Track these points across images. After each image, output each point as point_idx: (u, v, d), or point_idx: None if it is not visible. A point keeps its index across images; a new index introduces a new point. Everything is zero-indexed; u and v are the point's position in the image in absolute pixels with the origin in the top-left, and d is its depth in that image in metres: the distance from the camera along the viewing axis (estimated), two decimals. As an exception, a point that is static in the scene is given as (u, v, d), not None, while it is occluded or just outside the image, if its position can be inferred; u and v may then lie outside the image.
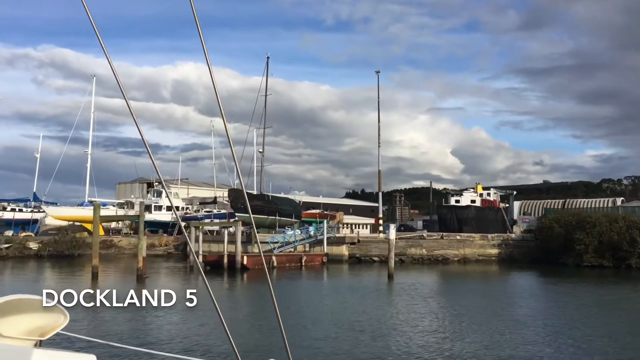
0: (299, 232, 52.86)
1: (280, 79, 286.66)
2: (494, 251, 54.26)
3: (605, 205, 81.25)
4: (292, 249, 50.35)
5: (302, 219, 70.67)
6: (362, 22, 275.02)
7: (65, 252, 54.67)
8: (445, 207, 61.61)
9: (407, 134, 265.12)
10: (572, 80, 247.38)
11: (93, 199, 66.93)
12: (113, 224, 70.11)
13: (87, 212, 63.42)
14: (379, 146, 59.92)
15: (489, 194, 63.64)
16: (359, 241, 54.67)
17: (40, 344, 3.68)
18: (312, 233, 52.55)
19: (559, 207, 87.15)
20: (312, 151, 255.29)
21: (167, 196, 68.74)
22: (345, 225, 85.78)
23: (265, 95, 66.55)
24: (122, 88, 3.30)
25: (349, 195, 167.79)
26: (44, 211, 65.31)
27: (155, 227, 66.83)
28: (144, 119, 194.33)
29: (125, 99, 3.33)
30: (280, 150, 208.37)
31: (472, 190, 64.02)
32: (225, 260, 43.51)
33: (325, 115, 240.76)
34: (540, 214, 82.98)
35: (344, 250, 53.11)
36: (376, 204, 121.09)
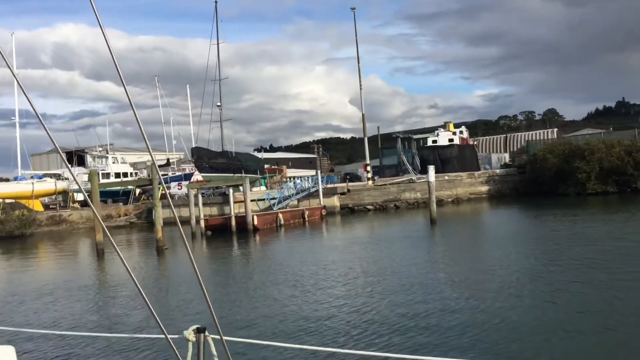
0: (292, 186, 48.72)
1: (169, 37, 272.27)
2: (484, 188, 53.23)
3: (545, 137, 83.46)
4: (285, 206, 46.18)
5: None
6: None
7: (15, 233, 47.07)
8: (427, 148, 59.42)
9: (305, 86, 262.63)
10: (459, 23, 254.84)
11: (28, 172, 58.97)
12: (47, 199, 62.53)
13: (24, 187, 55.73)
14: (360, 89, 55.97)
15: (461, 132, 62.22)
16: (349, 191, 51.39)
17: None
18: (305, 186, 48.62)
19: (503, 141, 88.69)
20: (210, 109, 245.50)
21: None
22: (289, 179, 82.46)
23: (218, 44, 60.75)
24: (3, 54, 2.72)
25: (257, 151, 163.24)
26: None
27: (104, 197, 59.96)
28: (23, 87, 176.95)
29: (8, 66, 2.74)
30: (177, 112, 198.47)
31: (442, 129, 62.25)
32: (233, 222, 38.69)
33: (221, 71, 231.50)
34: (486, 152, 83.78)
35: (335, 201, 49.73)
36: (313, 155, 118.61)
